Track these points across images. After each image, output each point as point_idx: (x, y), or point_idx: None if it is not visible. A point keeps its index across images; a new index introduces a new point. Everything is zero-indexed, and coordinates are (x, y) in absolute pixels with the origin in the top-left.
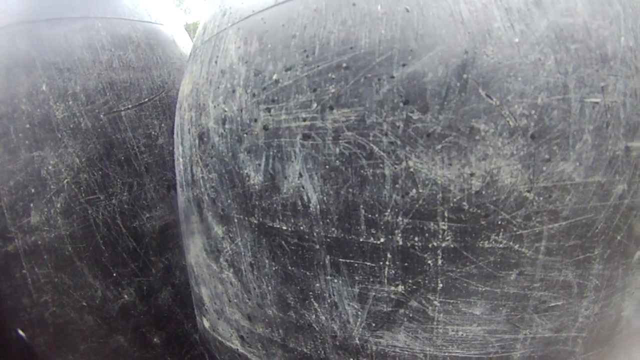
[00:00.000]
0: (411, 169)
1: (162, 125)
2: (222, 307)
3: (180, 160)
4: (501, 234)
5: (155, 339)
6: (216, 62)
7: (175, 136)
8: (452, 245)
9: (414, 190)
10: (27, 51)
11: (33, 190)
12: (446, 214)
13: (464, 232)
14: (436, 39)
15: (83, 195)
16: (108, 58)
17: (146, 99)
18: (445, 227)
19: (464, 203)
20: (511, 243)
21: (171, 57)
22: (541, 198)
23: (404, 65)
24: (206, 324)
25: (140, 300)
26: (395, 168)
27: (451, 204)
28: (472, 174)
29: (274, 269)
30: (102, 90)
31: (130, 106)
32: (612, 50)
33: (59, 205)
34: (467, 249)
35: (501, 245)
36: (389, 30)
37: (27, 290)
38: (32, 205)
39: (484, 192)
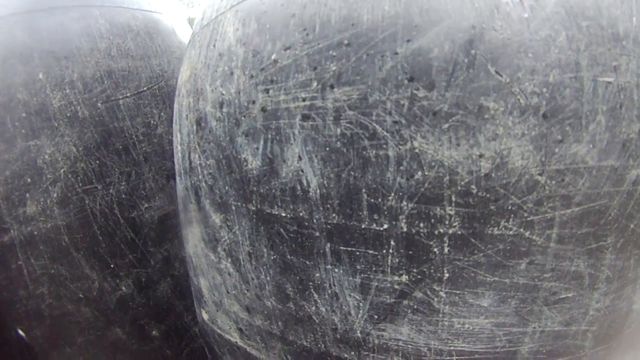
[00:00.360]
0: (416, 150)
1: (162, 114)
2: (221, 299)
3: (179, 147)
4: (511, 220)
5: (153, 332)
6: (214, 45)
7: (173, 124)
8: (459, 232)
9: (420, 173)
10: (25, 41)
11: (29, 180)
12: (453, 198)
13: (472, 218)
14: (442, 14)
15: (80, 184)
16: (106, 46)
17: (145, 88)
18: (452, 213)
19: (473, 186)
20: (522, 230)
21: (171, 46)
22: (553, 182)
23: (408, 41)
24: (205, 316)
25: (138, 292)
26: (400, 149)
27: (459, 188)
28: (481, 155)
29: (272, 258)
30: (100, 79)
31: (128, 94)
32: (624, 30)
33: (55, 195)
34: (475, 235)
35: (511, 232)
36: (392, 5)
37: (23, 281)
38: (28, 195)
39: (493, 175)
